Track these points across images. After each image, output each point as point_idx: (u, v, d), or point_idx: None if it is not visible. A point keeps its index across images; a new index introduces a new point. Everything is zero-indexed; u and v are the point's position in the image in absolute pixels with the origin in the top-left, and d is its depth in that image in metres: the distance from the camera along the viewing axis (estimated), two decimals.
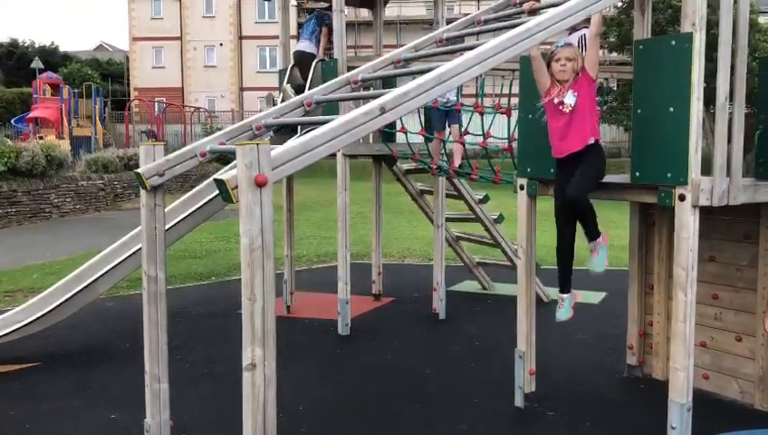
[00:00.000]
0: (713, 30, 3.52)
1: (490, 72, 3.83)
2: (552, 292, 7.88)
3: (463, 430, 4.36)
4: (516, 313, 4.73)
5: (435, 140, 6.89)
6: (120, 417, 4.53)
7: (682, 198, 3.64)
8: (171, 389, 3.57)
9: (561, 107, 3.92)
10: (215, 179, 2.59)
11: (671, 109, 3.67)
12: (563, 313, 4.34)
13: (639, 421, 4.47)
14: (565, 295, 4.34)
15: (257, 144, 2.40)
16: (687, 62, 3.58)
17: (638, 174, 3.92)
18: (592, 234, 4.09)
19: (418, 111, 6.39)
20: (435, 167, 6.79)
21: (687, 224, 3.64)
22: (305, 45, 7.35)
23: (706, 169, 3.71)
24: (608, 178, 4.32)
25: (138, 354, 3.78)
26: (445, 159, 7.04)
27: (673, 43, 3.71)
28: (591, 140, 3.93)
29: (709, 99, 3.74)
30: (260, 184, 2.39)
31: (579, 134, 3.91)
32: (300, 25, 7.70)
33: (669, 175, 3.69)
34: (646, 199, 4.02)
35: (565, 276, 4.31)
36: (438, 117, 6.97)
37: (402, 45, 4.47)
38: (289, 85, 7.11)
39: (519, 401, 4.69)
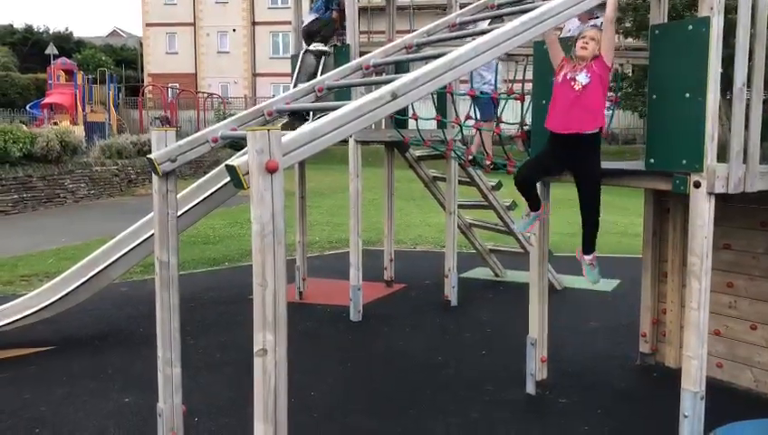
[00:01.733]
0: (730, 14, 3.46)
1: (503, 57, 3.79)
2: (566, 279, 7.87)
3: (474, 416, 4.36)
4: (528, 300, 4.72)
5: (486, 132, 6.53)
6: (134, 400, 4.57)
7: (697, 184, 3.60)
8: (184, 373, 3.59)
9: (572, 83, 3.85)
10: (226, 165, 2.59)
11: (687, 95, 3.63)
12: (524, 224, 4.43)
13: (652, 409, 4.45)
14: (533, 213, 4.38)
15: (268, 130, 2.39)
16: (704, 47, 3.52)
17: (652, 160, 3.88)
18: (589, 246, 4.18)
19: (432, 97, 6.32)
20: (490, 163, 6.42)
21: (702, 211, 3.60)
22: (309, 18, 7.27)
23: (722, 155, 3.67)
24: (622, 165, 4.28)
25: (151, 339, 3.81)
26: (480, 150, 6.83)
27: (690, 27, 3.65)
28: (596, 129, 3.87)
29: (725, 85, 3.68)
30: (271, 170, 2.38)
31: (585, 114, 3.83)
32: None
33: (684, 161, 3.65)
34: (660, 186, 3.98)
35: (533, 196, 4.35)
36: (487, 105, 6.72)
37: (415, 30, 4.43)
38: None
39: (531, 389, 4.69)
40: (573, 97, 3.84)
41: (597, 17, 4.72)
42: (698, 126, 3.57)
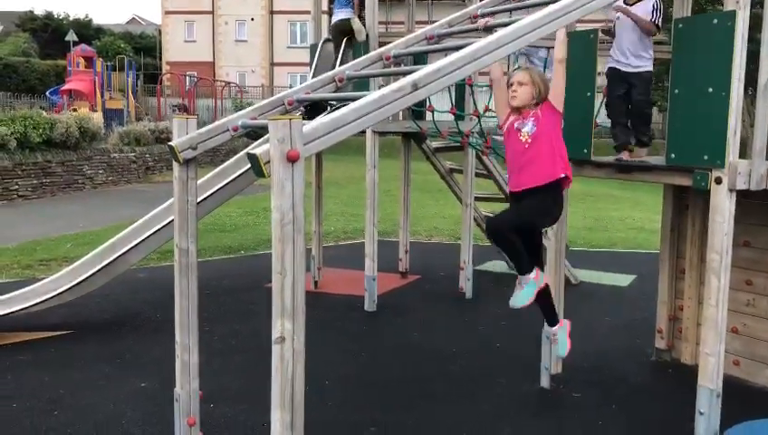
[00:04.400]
0: (755, 8, 3.41)
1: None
2: (582, 273, 7.84)
3: (486, 409, 4.37)
4: None
5: None
6: (150, 385, 4.62)
7: (718, 181, 3.56)
8: (200, 360, 3.63)
9: (519, 135, 3.43)
10: (247, 154, 2.60)
11: (710, 89, 3.59)
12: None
13: (667, 406, 4.44)
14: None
15: (290, 119, 2.39)
16: (729, 41, 3.48)
17: (673, 156, 3.85)
18: (520, 270, 3.47)
19: (449, 90, 6.31)
20: None
21: (723, 208, 3.57)
22: (345, 13, 7.22)
23: (743, 151, 3.63)
24: (642, 160, 4.25)
25: (168, 325, 3.84)
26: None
27: (714, 21, 3.61)
28: (552, 180, 3.39)
29: (748, 80, 3.64)
30: (292, 159, 2.39)
31: (539, 169, 3.39)
32: (331, 0, 7.59)
33: (706, 157, 3.62)
34: (681, 182, 3.94)
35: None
36: None
37: (434, 21, 4.41)
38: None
39: (545, 382, 4.68)
40: (522, 150, 3.42)
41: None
42: (721, 121, 3.53)
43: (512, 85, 3.45)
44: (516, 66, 3.94)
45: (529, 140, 3.39)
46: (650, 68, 4.38)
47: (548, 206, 3.48)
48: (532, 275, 3.47)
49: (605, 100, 4.58)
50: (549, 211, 3.52)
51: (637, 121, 4.49)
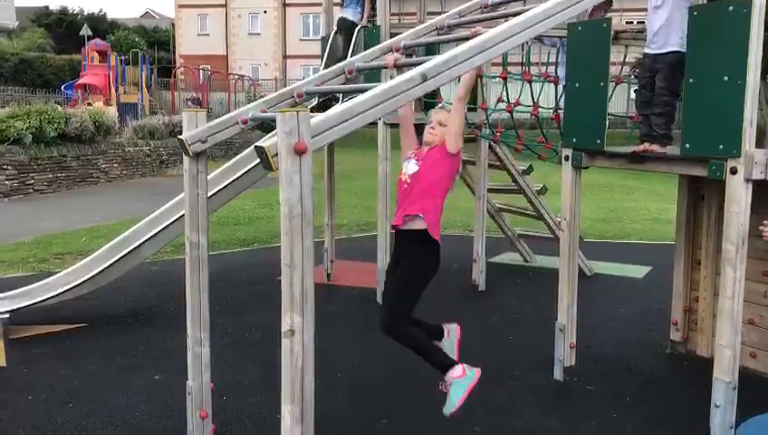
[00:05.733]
0: None
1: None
2: (597, 265, 7.78)
3: (500, 402, 4.35)
4: (557, 286, 4.67)
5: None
6: (163, 377, 4.65)
7: (734, 171, 3.51)
8: (212, 352, 3.63)
9: (402, 175, 3.38)
10: (255, 147, 2.59)
11: (725, 78, 3.53)
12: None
13: (682, 398, 4.40)
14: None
15: (297, 111, 2.38)
16: (745, 28, 3.42)
17: (688, 145, 3.79)
18: (441, 368, 3.36)
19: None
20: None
21: (738, 198, 3.52)
22: (349, 13, 7.28)
23: (760, 140, 3.58)
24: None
25: (181, 318, 3.85)
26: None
27: (730, 8, 3.55)
28: (422, 225, 3.32)
29: (765, 68, 3.58)
30: (299, 152, 2.38)
31: (411, 210, 3.32)
32: None
33: (721, 147, 3.56)
34: (696, 172, 3.89)
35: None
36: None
37: (446, 12, 4.38)
38: None
39: (558, 375, 4.66)
40: (402, 190, 3.37)
41: None
42: (736, 110, 3.48)
43: (431, 123, 3.41)
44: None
45: (408, 179, 3.35)
46: (678, 49, 4.03)
47: (427, 265, 3.47)
48: (458, 370, 3.30)
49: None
50: (430, 270, 3.50)
51: (654, 110, 4.27)
